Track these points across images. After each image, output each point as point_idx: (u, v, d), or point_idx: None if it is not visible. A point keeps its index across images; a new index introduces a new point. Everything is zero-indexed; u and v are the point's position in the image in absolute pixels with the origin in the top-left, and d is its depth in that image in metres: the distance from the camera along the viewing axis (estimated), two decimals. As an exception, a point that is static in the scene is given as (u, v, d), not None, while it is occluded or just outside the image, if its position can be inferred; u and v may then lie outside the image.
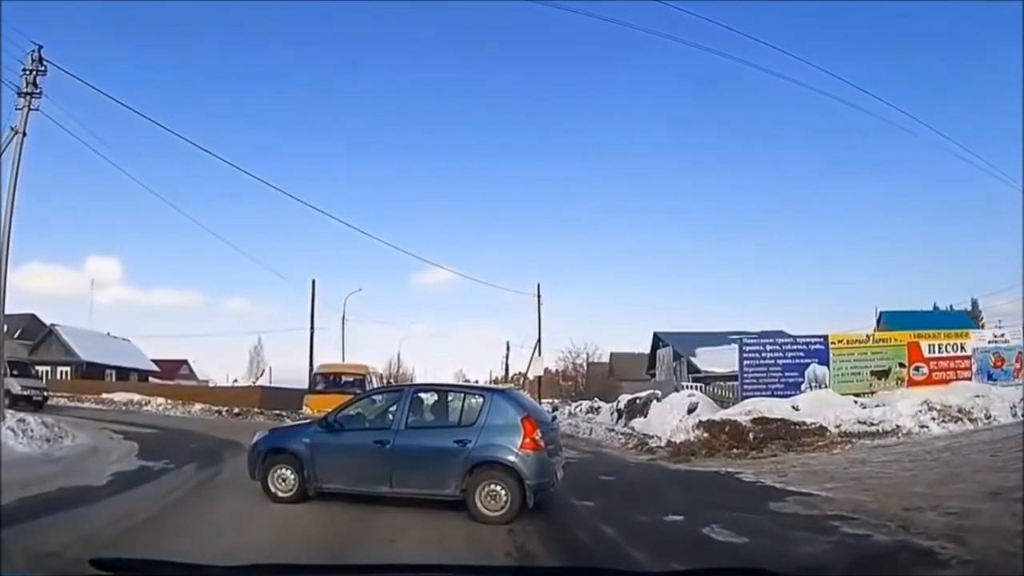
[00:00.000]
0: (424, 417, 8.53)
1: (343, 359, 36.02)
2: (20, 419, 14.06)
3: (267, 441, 8.70)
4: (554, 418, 9.69)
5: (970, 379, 17.77)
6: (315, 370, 20.18)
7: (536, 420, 7.90)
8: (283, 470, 8.23)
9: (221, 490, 9.57)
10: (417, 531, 6.99)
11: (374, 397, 9.53)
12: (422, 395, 8.80)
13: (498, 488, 7.41)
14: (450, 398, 8.77)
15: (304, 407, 18.02)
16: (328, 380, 19.02)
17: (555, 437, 8.64)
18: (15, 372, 26.16)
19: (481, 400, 8.02)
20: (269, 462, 8.35)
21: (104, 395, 35.07)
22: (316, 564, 4.18)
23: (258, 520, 7.56)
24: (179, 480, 10.40)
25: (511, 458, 7.48)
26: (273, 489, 8.22)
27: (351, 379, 18.84)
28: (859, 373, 18.23)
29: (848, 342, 18.76)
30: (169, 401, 33.24)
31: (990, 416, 14.83)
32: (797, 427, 14.87)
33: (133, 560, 2.84)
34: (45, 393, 28.41)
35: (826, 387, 17.68)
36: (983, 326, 31.26)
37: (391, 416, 8.21)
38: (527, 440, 7.53)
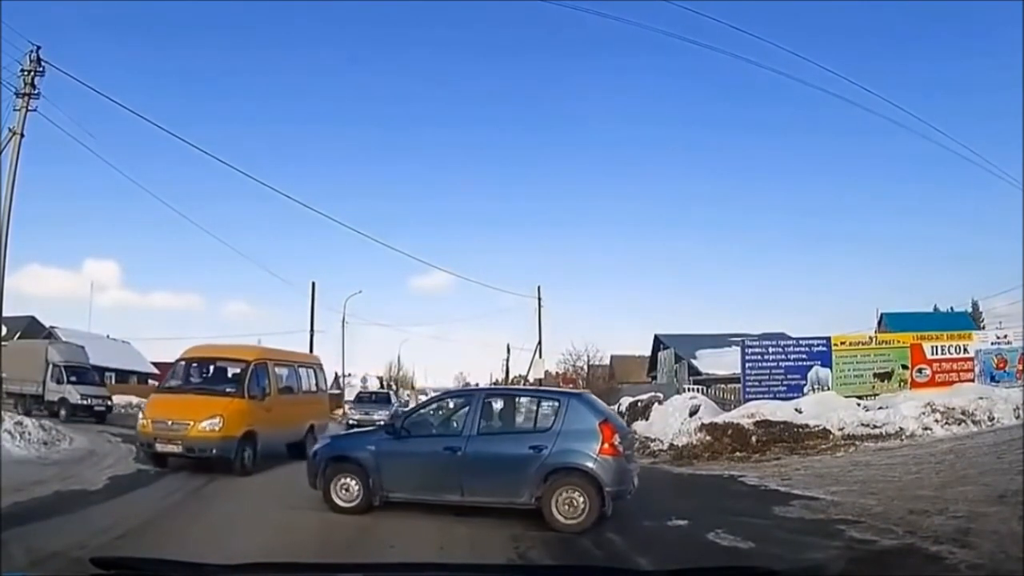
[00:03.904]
0: (497, 422, 8.24)
1: (345, 366, 35.27)
2: (17, 422, 13.98)
3: (329, 448, 8.41)
4: (629, 423, 9.49)
5: (973, 381, 17.68)
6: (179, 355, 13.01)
7: (614, 425, 7.71)
8: (347, 479, 7.91)
9: (219, 493, 9.50)
10: (417, 536, 6.92)
11: (441, 402, 9.22)
12: (494, 399, 8.54)
13: (576, 495, 7.18)
14: (523, 402, 8.56)
15: (140, 416, 11.99)
16: (198, 371, 12.48)
17: (631, 442, 8.39)
18: (72, 379, 23.59)
19: (556, 404, 7.79)
20: (331, 471, 8.01)
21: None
22: (316, 563, 4.09)
23: (256, 523, 7.52)
24: (177, 483, 10.31)
25: (590, 464, 7.24)
26: (336, 499, 7.89)
27: (229, 370, 12.37)
28: (862, 375, 18.12)
29: (851, 344, 18.66)
30: (169, 404, 33.00)
31: (993, 418, 14.73)
32: (800, 430, 14.78)
33: (134, 559, 2.77)
34: (108, 402, 24.91)
35: (828, 389, 17.58)
36: (984, 328, 31.16)
37: (462, 421, 7.97)
38: (606, 445, 7.29)
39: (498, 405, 8.46)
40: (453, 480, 7.58)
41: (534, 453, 7.39)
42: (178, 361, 12.85)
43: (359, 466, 7.90)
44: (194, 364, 12.57)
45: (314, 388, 14.67)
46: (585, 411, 7.66)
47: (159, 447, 10.97)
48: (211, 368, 12.55)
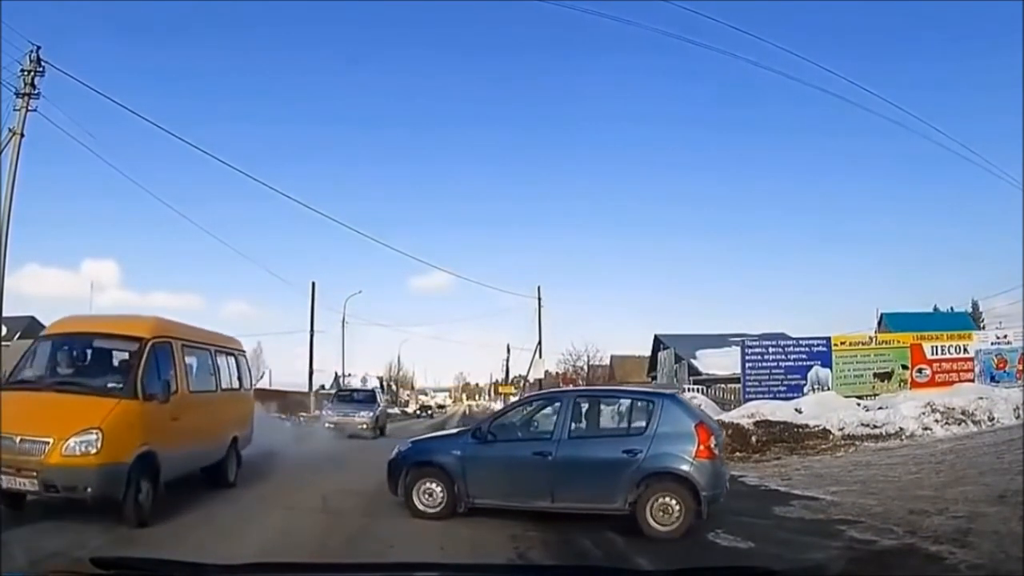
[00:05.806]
0: (588, 425, 7.97)
1: (345, 366, 34.42)
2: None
3: (411, 453, 8.17)
4: (719, 423, 9.29)
5: (973, 381, 17.68)
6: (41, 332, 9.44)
7: (709, 427, 7.52)
8: (430, 484, 7.69)
9: (218, 494, 9.48)
10: (417, 536, 6.93)
11: (527, 406, 8.89)
12: (584, 401, 8.27)
13: (671, 501, 6.95)
14: (615, 404, 8.34)
15: None
16: (68, 356, 7.91)
17: (722, 443, 8.20)
18: None
19: (650, 406, 7.53)
20: (414, 476, 7.79)
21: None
22: (316, 563, 4.10)
23: (256, 523, 7.51)
24: (175, 483, 10.24)
25: (686, 468, 6.99)
26: (418, 504, 7.69)
27: (114, 356, 8.16)
28: (862, 375, 18.14)
29: (851, 344, 18.68)
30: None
31: (993, 418, 14.75)
32: (800, 430, 14.80)
33: (134, 559, 2.77)
34: None
35: (828, 389, 17.59)
36: (984, 328, 31.16)
37: (551, 425, 7.72)
38: (702, 448, 7.05)
39: (588, 407, 8.16)
40: (543, 486, 7.37)
41: (628, 457, 7.14)
42: (38, 340, 8.47)
43: (444, 471, 7.69)
44: (63, 346, 7.99)
45: (235, 384, 10.28)
46: (680, 412, 7.45)
47: (3, 481, 6.48)
48: (87, 352, 8.06)
